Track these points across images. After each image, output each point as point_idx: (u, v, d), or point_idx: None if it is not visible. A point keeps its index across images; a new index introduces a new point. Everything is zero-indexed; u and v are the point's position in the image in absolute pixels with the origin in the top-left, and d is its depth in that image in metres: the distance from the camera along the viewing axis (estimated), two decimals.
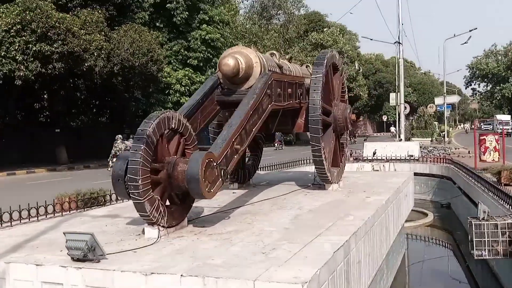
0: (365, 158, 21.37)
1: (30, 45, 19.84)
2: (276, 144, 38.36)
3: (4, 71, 19.74)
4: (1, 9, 20.36)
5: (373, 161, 20.37)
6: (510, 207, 8.19)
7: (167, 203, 5.21)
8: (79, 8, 23.70)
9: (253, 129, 6.15)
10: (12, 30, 19.63)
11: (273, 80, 6.83)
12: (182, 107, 6.37)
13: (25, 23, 19.74)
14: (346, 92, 9.25)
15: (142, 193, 4.61)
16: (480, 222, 7.57)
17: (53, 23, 20.04)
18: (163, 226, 4.93)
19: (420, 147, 28.66)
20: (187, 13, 31.43)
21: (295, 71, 8.35)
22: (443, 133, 41.59)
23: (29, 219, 7.32)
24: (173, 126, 5.13)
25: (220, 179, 5.15)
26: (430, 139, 41.47)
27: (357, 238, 5.05)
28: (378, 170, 19.46)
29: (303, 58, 46.21)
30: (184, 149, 5.36)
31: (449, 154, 24.92)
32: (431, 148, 29.48)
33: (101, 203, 8.87)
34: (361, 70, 48.21)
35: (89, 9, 23.29)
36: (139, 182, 4.58)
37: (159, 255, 4.24)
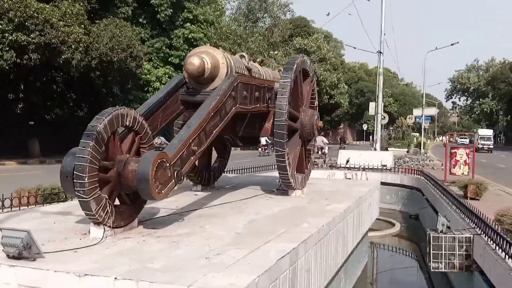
0: (339, 165, 21.47)
1: (6, 34, 19.50)
2: (260, 150, 34.46)
3: None
4: None
5: (347, 169, 20.46)
6: (470, 221, 8.24)
7: (117, 202, 5.11)
8: (63, 0, 23.40)
9: (214, 131, 6.06)
10: None
11: (239, 83, 6.76)
12: (144, 105, 6.27)
13: (2, 11, 19.39)
14: (316, 99, 9.21)
15: (88, 192, 4.50)
16: (438, 235, 7.60)
17: (32, 12, 19.73)
18: (109, 226, 4.81)
19: (395, 157, 28.93)
20: (171, 10, 31.24)
21: (266, 75, 8.30)
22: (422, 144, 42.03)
23: None
24: (127, 123, 5.02)
25: (173, 181, 5.06)
26: (406, 149, 41.84)
27: (308, 246, 5.00)
28: (350, 178, 19.55)
29: None
30: (138, 148, 5.26)
31: (422, 166, 25.16)
32: (407, 159, 29.75)
33: (62, 199, 8.72)
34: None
35: (70, 0, 22.98)
36: (85, 180, 4.46)
37: (99, 256, 4.13)
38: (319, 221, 5.87)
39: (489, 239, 6.91)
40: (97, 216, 4.64)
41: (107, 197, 4.75)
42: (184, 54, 32.57)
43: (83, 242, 4.56)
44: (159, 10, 30.86)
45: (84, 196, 4.51)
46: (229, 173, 13.42)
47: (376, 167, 20.28)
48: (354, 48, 51.98)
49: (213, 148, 9.03)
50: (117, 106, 4.94)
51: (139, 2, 30.77)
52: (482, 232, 7.39)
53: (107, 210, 4.73)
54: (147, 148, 5.32)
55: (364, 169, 19.86)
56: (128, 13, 29.74)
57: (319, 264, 5.53)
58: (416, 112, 45.90)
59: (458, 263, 7.58)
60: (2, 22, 19.36)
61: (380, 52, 27.32)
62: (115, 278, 3.53)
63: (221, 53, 6.76)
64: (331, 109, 61.25)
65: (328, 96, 51.40)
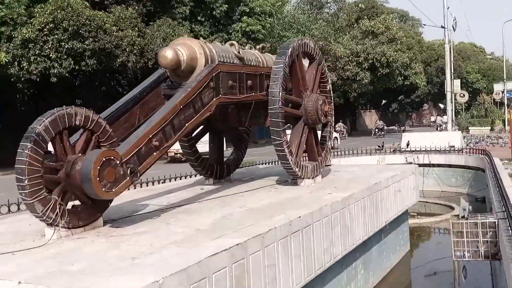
0: (403, 149, 20.50)
1: (63, 43, 20.50)
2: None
3: (40, 69, 20.52)
4: (36, 9, 21.12)
5: (408, 152, 19.49)
6: (501, 203, 7.41)
7: (78, 202, 5.06)
8: (115, 5, 24.24)
9: (186, 125, 5.83)
10: (45, 29, 20.36)
11: (219, 72, 6.49)
12: (117, 102, 6.18)
13: (57, 22, 20.40)
14: (328, 83, 8.70)
15: (30, 194, 4.47)
16: (459, 221, 6.91)
17: (84, 20, 20.58)
18: (64, 227, 4.76)
19: (473, 136, 27.14)
20: (226, 5, 31.31)
21: (267, 62, 7.95)
22: None
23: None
24: (77, 123, 4.93)
25: (128, 178, 4.90)
26: (489, 128, 39.20)
27: (268, 240, 4.66)
28: (411, 163, 18.62)
29: (354, 47, 45.09)
30: (98, 147, 5.16)
31: (502, 145, 23.43)
32: (483, 137, 27.83)
33: None
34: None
35: (123, 5, 23.72)
36: (25, 182, 4.43)
37: (30, 259, 4.08)
38: (299, 212, 5.49)
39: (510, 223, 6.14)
40: (45, 217, 4.61)
41: (56, 198, 4.70)
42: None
43: (31, 244, 4.54)
44: (214, 6, 31.04)
45: (27, 198, 4.49)
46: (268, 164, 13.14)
47: (441, 149, 19.08)
48: (424, 25, 49.50)
49: (223, 141, 8.88)
50: (64, 106, 4.86)
51: (195, 1, 31.10)
52: (507, 216, 6.59)
53: (57, 211, 4.67)
54: (108, 147, 5.21)
55: (426, 151, 18.77)
56: (186, 13, 30.21)
57: (295, 258, 5.16)
58: (497, 87, 42.79)
59: (483, 251, 6.84)
60: (58, 32, 20.37)
61: (444, 27, 25.67)
62: (18, 282, 3.44)
63: (199, 43, 6.52)
64: (407, 91, 58.79)
65: (402, 77, 49.25)
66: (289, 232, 5.08)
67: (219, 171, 8.48)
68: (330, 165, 10.58)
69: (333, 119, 8.83)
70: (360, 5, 54.71)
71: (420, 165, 18.44)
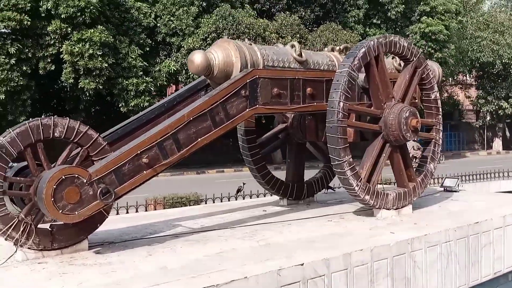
0: None
1: None
2: None
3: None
4: (202, 20, 22.13)
5: None
6: None
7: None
8: (281, 13, 24.31)
9: (199, 139, 5.03)
10: (208, 38, 21.19)
11: (257, 78, 5.53)
12: (140, 112, 5.70)
13: (219, 31, 21.08)
14: (434, 90, 6.99)
15: None
16: None
17: (243, 29, 20.90)
18: (31, 249, 4.39)
19: None
20: (403, 6, 29.04)
21: None
22: None
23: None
24: (57, 134, 4.51)
25: (98, 200, 4.32)
26: None
27: None
28: None
29: None
30: (86, 161, 4.70)
31: None
32: None
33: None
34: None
35: (287, 13, 23.59)
36: None
37: None
38: (316, 256, 4.30)
39: None
40: (5, 236, 4.28)
41: (23, 217, 4.35)
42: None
43: None
44: (389, 7, 29.04)
45: None
46: None
47: None
48: None
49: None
50: (42, 116, 4.50)
51: (370, 3, 29.48)
52: None
53: (21, 230, 4.31)
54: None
55: None
56: (359, 16, 28.90)
57: None
58: None
59: None
60: None
61: None
62: None
63: (235, 45, 5.65)
64: None
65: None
66: (278, 284, 3.95)
67: (296, 191, 7.44)
68: (457, 191, 8.69)
69: (440, 136, 7.10)
70: None
71: None
